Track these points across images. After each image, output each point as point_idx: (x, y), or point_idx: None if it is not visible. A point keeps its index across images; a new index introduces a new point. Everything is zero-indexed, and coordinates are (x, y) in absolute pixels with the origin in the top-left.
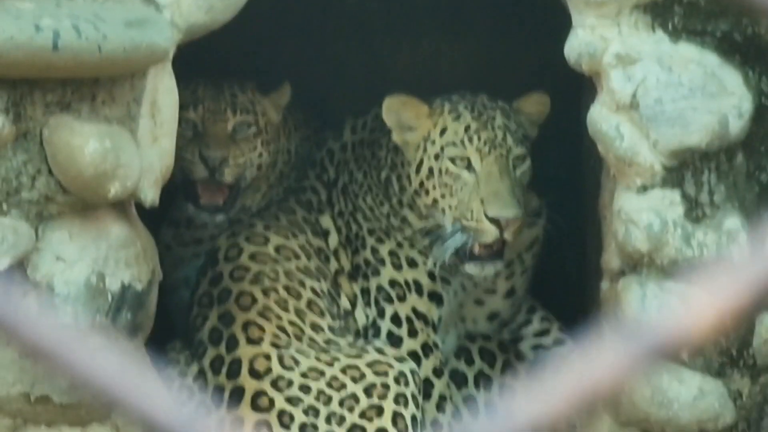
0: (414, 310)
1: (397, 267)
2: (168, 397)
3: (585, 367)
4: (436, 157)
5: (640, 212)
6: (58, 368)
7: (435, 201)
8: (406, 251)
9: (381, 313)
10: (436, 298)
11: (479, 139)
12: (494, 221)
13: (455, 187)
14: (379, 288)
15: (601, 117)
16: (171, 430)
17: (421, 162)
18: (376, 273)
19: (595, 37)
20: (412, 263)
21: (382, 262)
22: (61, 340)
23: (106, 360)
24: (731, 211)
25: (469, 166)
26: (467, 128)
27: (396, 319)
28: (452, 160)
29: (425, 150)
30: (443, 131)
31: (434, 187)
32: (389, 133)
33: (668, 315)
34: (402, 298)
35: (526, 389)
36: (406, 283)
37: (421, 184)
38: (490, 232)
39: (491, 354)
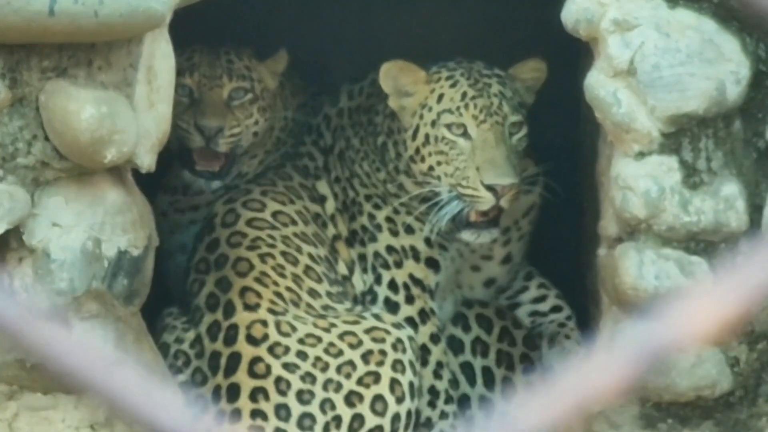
0: (411, 277)
1: (394, 233)
2: (178, 411)
3: (588, 374)
4: (433, 123)
5: (637, 178)
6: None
7: (431, 168)
8: (403, 218)
9: (378, 280)
10: (433, 264)
11: (475, 106)
12: (490, 188)
13: (451, 154)
14: (376, 254)
15: (598, 83)
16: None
17: (417, 128)
18: (373, 239)
19: (593, 2)
20: (408, 229)
21: (379, 228)
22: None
23: (117, 374)
24: (729, 178)
25: (465, 134)
26: (464, 95)
27: (393, 286)
28: (448, 126)
29: (421, 117)
30: (440, 98)
31: (430, 154)
32: (386, 99)
33: (672, 320)
34: (399, 265)
35: (529, 395)
36: (403, 249)
37: (417, 150)
38: (487, 199)
39: (488, 320)
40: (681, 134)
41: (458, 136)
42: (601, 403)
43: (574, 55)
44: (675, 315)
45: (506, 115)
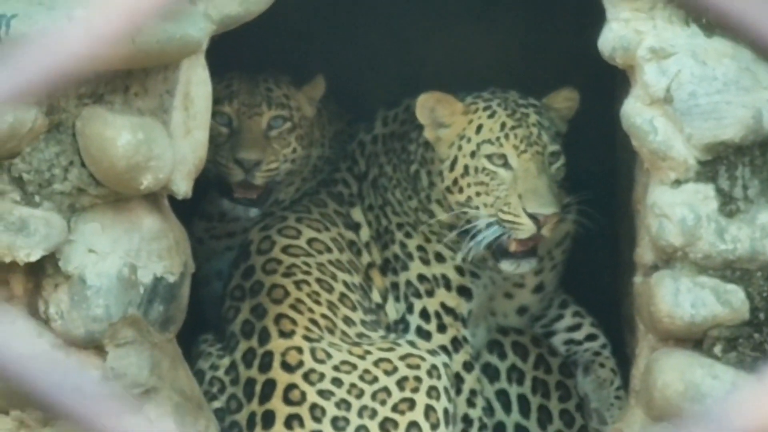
0: (443, 305)
1: (425, 262)
2: None
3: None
4: (472, 154)
5: (673, 206)
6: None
7: (469, 198)
8: (434, 246)
9: (410, 309)
10: (464, 292)
11: (515, 136)
12: (532, 217)
13: (491, 184)
14: (408, 283)
15: (634, 111)
16: None
17: (455, 159)
18: (405, 268)
19: (630, 30)
20: (439, 258)
21: (410, 257)
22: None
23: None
24: (765, 206)
25: (505, 164)
26: (503, 125)
27: (425, 315)
28: (488, 157)
29: (460, 148)
30: (479, 129)
31: (469, 185)
32: (420, 126)
33: (733, 408)
34: (431, 293)
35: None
36: (434, 277)
37: (455, 181)
38: (528, 228)
39: (524, 348)
40: (717, 162)
41: (499, 167)
42: None
43: (610, 82)
44: (738, 406)
45: (546, 145)
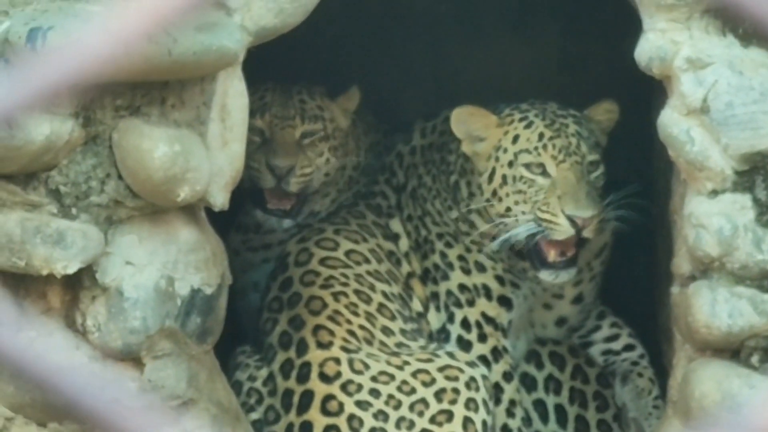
0: (483, 315)
1: (466, 271)
2: None
3: None
4: (510, 164)
5: (710, 216)
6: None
7: (508, 208)
8: (475, 256)
9: (451, 318)
10: (505, 302)
11: (554, 146)
12: (570, 219)
13: (529, 192)
14: (449, 293)
15: (671, 121)
16: None
17: (493, 171)
18: (446, 278)
19: (666, 40)
20: (480, 268)
21: (451, 266)
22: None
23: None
24: None
25: (544, 172)
26: (541, 136)
27: (465, 324)
28: (527, 166)
29: (497, 159)
30: (515, 139)
31: (507, 195)
32: (457, 139)
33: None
34: (471, 303)
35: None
36: (475, 287)
37: (494, 192)
38: (565, 229)
39: (561, 358)
40: (754, 172)
41: (537, 175)
42: None
43: (647, 92)
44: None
45: (584, 155)
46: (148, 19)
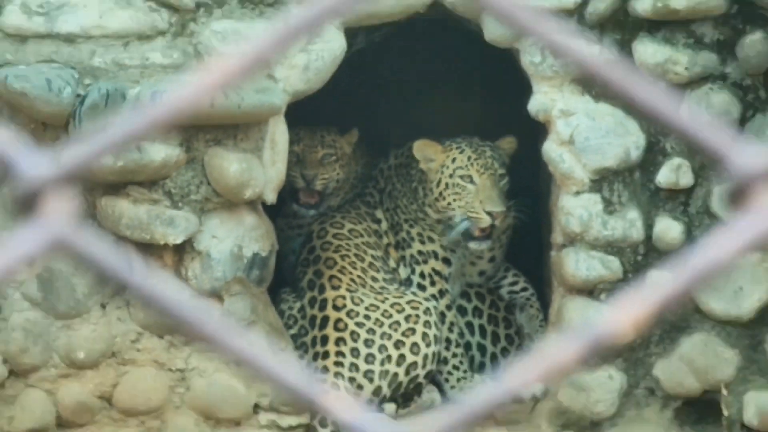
0: (433, 269)
1: (422, 242)
2: (295, 367)
3: (543, 353)
4: (450, 176)
5: (575, 208)
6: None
7: (449, 204)
8: (428, 233)
9: (413, 272)
10: (447, 261)
11: (477, 164)
12: (489, 213)
13: (462, 194)
14: (412, 256)
15: (551, 149)
16: (298, 391)
17: (439, 180)
18: (409, 246)
19: (547, 99)
20: (431, 240)
21: (413, 239)
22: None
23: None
24: (632, 207)
25: (471, 181)
26: (469, 157)
27: (422, 275)
28: (461, 177)
29: (442, 172)
30: (453, 160)
31: (449, 195)
32: (417, 160)
33: (603, 319)
34: (426, 262)
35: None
36: (428, 252)
37: (440, 194)
38: (486, 220)
39: (482, 295)
40: (602, 180)
41: (467, 183)
42: (564, 373)
43: (537, 131)
44: (612, 315)
45: (497, 169)
46: (223, 81)
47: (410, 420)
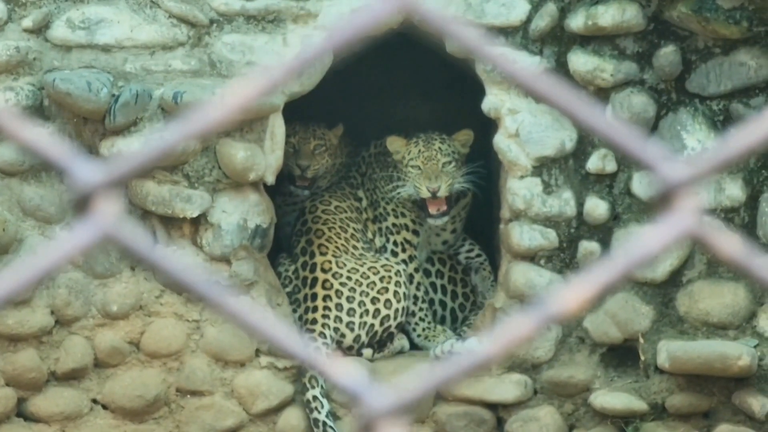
0: (404, 239)
1: (396, 216)
2: (287, 332)
3: (508, 327)
4: (407, 162)
5: (520, 189)
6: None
7: (404, 181)
8: (400, 209)
9: (387, 241)
10: (416, 232)
11: (424, 155)
12: (427, 188)
13: (413, 174)
14: (387, 228)
15: (500, 141)
16: (300, 357)
17: (403, 165)
18: (385, 219)
19: (497, 99)
20: (403, 215)
21: (388, 214)
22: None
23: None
24: (566, 189)
25: (419, 167)
26: (419, 150)
27: (395, 244)
28: (412, 165)
29: (404, 159)
30: (410, 152)
31: (408, 176)
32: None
33: (556, 299)
34: (398, 233)
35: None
36: (400, 225)
37: (405, 174)
38: (425, 192)
39: (443, 260)
40: (542, 167)
41: (415, 168)
42: (524, 343)
43: (489, 126)
44: (563, 295)
45: (440, 158)
46: (247, 96)
47: (387, 378)
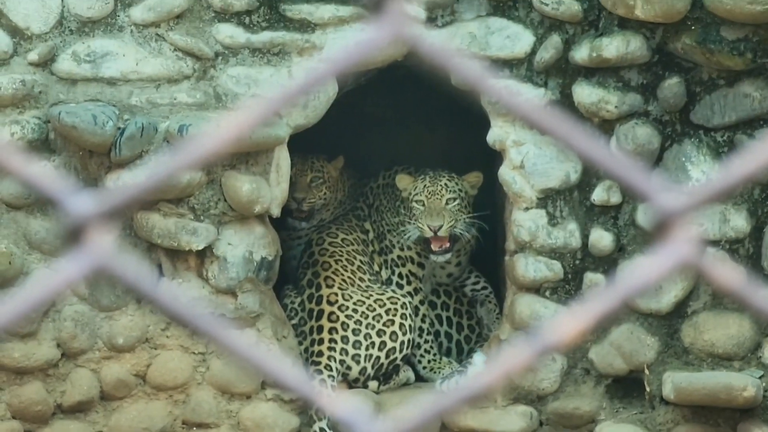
0: (410, 272)
1: (401, 249)
2: (289, 366)
3: (505, 357)
4: (412, 198)
5: (525, 220)
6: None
7: (408, 219)
8: (406, 242)
9: (393, 273)
10: (421, 265)
11: (428, 191)
12: (428, 226)
13: (415, 213)
14: (392, 260)
15: (505, 172)
16: (298, 391)
17: (409, 201)
18: (391, 252)
19: (502, 131)
20: (408, 247)
21: (394, 246)
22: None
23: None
24: (571, 220)
25: (423, 203)
26: (425, 186)
27: (401, 276)
28: (416, 201)
29: (410, 195)
30: (415, 188)
31: (412, 211)
32: None
33: (553, 328)
34: (404, 265)
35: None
36: (406, 257)
37: (410, 210)
38: (427, 231)
39: (449, 292)
40: (547, 198)
41: (420, 204)
42: (524, 371)
43: (494, 157)
44: (561, 324)
45: (443, 195)
46: (244, 126)
47: (392, 410)
